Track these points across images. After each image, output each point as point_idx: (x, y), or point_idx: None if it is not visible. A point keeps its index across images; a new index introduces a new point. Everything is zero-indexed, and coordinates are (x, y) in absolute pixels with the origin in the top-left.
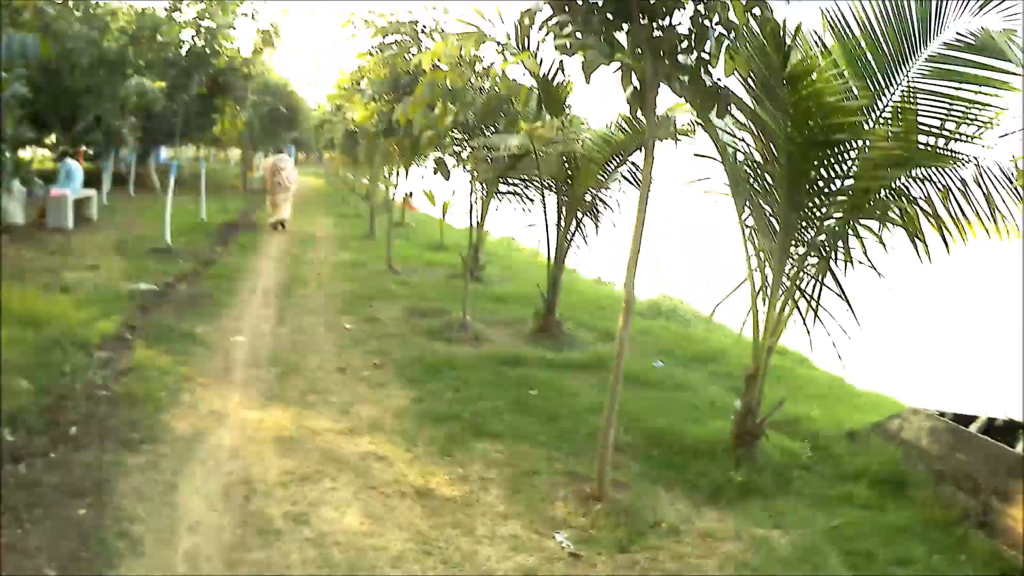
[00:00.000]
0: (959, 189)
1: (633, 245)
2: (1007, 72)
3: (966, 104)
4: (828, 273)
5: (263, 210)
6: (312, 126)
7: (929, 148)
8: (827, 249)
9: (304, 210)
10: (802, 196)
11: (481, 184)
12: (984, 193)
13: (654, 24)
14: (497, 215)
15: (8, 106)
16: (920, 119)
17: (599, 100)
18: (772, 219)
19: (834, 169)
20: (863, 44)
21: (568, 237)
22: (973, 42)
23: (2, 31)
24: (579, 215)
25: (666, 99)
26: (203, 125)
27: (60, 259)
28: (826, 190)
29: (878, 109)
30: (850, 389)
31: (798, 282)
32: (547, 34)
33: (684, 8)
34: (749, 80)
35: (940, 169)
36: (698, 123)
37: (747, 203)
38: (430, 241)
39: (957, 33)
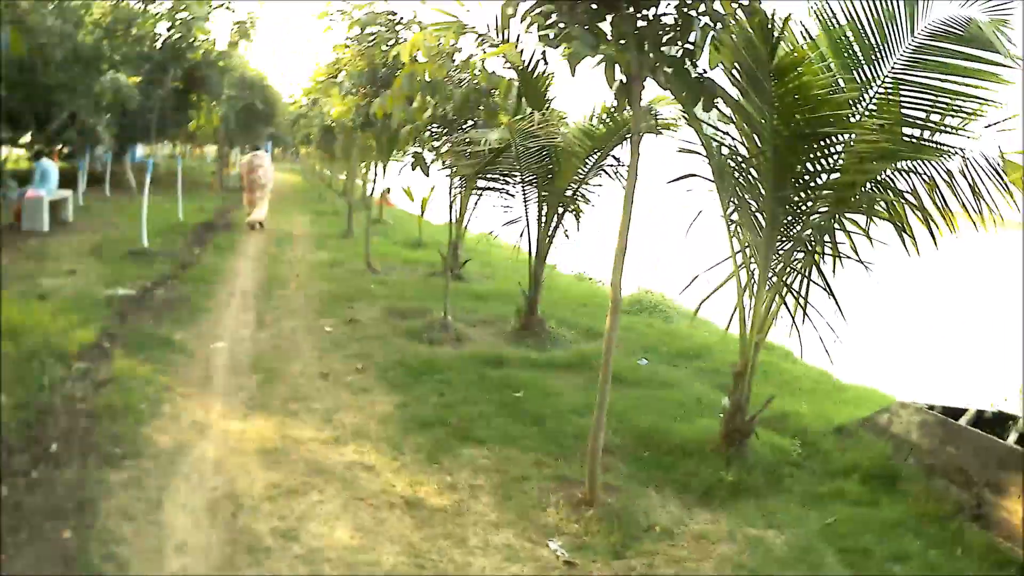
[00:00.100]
0: (945, 181)
1: (619, 243)
2: (994, 63)
3: (951, 95)
4: (815, 268)
5: (240, 209)
6: (288, 121)
7: (914, 140)
8: (813, 244)
9: (281, 208)
10: (788, 190)
11: (460, 179)
12: (970, 184)
13: (639, 14)
14: (477, 210)
15: None
16: (906, 111)
17: (577, 93)
18: (758, 214)
19: (820, 163)
20: (849, 34)
21: (549, 233)
22: (961, 32)
23: None
24: (560, 210)
25: (650, 92)
26: (179, 121)
27: (36, 264)
28: (812, 184)
29: (864, 101)
30: (836, 383)
31: (785, 277)
32: (530, 25)
33: None
34: (734, 72)
35: (926, 161)
36: (683, 116)
37: (732, 198)
38: (408, 238)
39: (944, 23)
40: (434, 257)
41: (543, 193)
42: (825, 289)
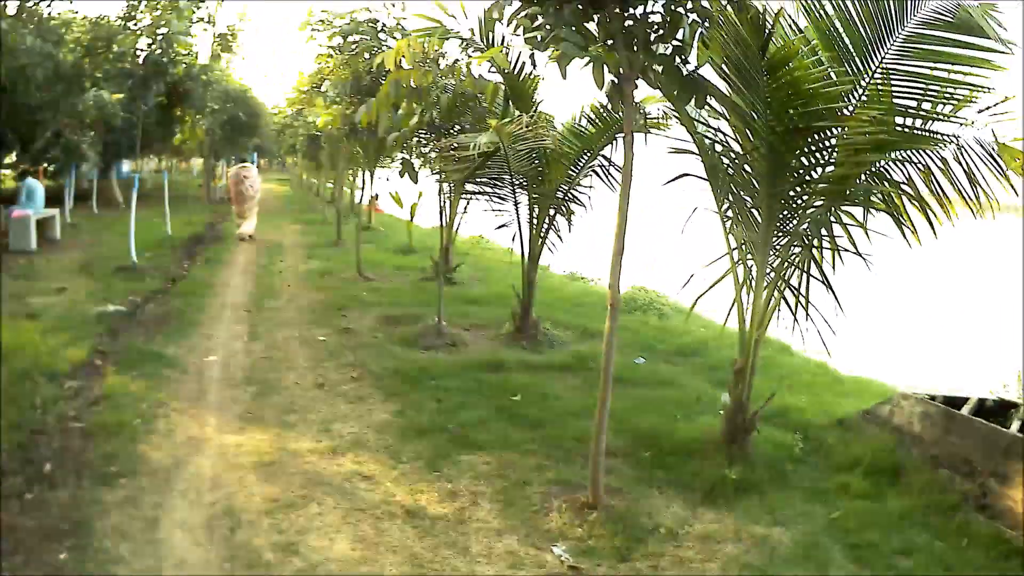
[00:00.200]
0: (940, 168)
1: (616, 244)
2: (985, 49)
3: (942, 83)
4: (812, 262)
5: (228, 220)
6: (274, 131)
7: (907, 129)
8: (810, 238)
9: (270, 218)
10: (784, 185)
11: (449, 184)
12: (965, 170)
13: (626, 13)
14: (467, 213)
15: None
16: (898, 100)
17: (565, 95)
18: (754, 210)
19: (815, 156)
20: (838, 25)
21: (541, 235)
22: (950, 19)
23: None
24: (551, 212)
25: (641, 91)
26: (164, 136)
27: (25, 283)
28: (807, 178)
29: (857, 93)
30: (834, 375)
31: (783, 273)
32: (516, 28)
33: None
34: (725, 68)
35: (920, 150)
36: (674, 115)
37: (727, 195)
38: (399, 244)
39: (933, 10)
40: (425, 262)
41: (534, 195)
42: (823, 283)
